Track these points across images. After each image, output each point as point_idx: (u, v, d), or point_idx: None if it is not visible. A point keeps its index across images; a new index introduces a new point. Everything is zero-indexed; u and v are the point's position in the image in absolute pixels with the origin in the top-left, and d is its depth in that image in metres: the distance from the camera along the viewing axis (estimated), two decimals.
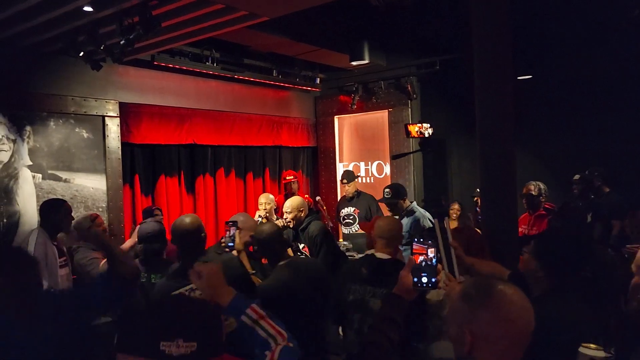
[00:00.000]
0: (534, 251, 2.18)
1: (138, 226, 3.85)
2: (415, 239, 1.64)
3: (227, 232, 3.03)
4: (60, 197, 4.98)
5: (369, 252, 3.03)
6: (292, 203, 4.35)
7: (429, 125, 2.51)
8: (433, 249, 1.62)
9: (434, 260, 1.61)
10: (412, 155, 6.99)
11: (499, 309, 1.30)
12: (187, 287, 2.35)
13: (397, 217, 4.73)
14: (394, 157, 3.23)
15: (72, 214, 3.99)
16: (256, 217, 5.05)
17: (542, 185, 4.97)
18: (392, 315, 1.61)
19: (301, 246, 4.29)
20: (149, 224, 3.49)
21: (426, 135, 2.34)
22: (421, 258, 1.62)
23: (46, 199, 4.77)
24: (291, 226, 4.30)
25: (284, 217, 4.42)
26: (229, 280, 2.33)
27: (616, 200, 5.11)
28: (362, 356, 1.59)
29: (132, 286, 2.40)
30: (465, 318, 1.33)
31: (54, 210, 3.86)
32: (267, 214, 5.14)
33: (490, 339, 1.28)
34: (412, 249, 1.65)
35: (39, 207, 4.06)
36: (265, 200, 5.24)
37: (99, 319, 2.44)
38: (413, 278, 1.61)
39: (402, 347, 1.61)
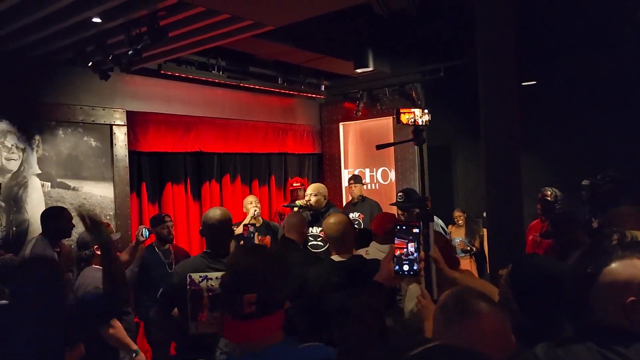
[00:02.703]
0: (509, 279, 1.85)
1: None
2: (397, 229, 1.66)
3: (247, 233, 3.21)
4: (69, 205, 5.05)
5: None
6: (317, 186, 4.82)
7: (426, 111, 2.42)
8: (414, 243, 1.64)
9: (415, 253, 1.63)
10: (416, 160, 7.01)
11: (470, 328, 1.27)
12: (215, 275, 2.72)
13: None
14: (379, 147, 3.14)
15: (81, 222, 4.02)
16: (251, 214, 5.14)
17: (558, 192, 4.95)
18: (372, 304, 1.60)
19: (318, 230, 4.40)
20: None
21: (420, 123, 2.28)
22: (405, 249, 1.63)
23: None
24: (312, 205, 4.66)
25: (307, 198, 4.77)
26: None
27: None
28: (344, 348, 1.57)
29: (123, 305, 2.48)
30: (438, 328, 1.34)
31: (52, 219, 4.04)
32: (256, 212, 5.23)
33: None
34: (393, 241, 1.66)
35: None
36: (255, 199, 5.42)
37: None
38: (395, 266, 1.63)
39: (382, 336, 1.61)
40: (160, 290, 2.97)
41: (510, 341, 1.29)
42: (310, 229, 4.81)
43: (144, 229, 4.29)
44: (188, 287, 2.75)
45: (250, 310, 1.46)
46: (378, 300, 1.61)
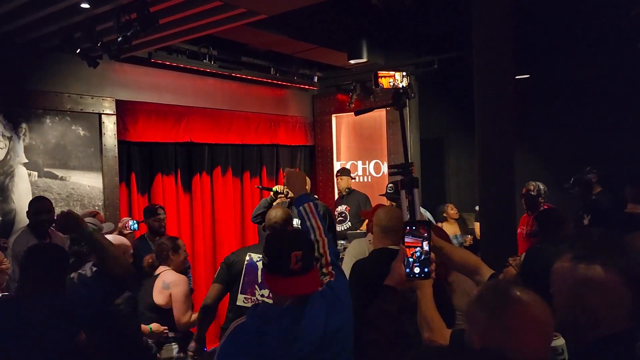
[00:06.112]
0: (522, 268, 1.92)
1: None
2: (407, 230, 1.60)
3: None
4: (57, 195, 4.98)
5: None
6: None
7: (404, 73, 2.28)
8: (425, 243, 1.59)
9: (425, 254, 1.58)
10: (409, 153, 6.97)
11: (511, 321, 1.24)
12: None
13: None
14: (357, 113, 3.02)
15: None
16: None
17: (541, 186, 4.95)
18: (386, 308, 1.57)
19: (297, 222, 4.34)
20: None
21: (401, 86, 2.16)
22: (416, 250, 1.59)
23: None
24: (285, 197, 4.44)
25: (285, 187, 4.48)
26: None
27: (603, 201, 5.04)
28: (362, 356, 1.55)
29: (124, 286, 2.46)
30: (476, 323, 1.30)
31: (28, 209, 4.16)
32: None
33: (501, 348, 1.23)
34: (404, 241, 1.62)
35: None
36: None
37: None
38: (405, 269, 1.59)
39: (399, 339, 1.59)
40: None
41: (552, 328, 1.27)
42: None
43: (131, 222, 4.22)
44: (246, 263, 3.17)
45: (297, 266, 1.74)
46: (391, 305, 1.58)
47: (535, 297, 1.28)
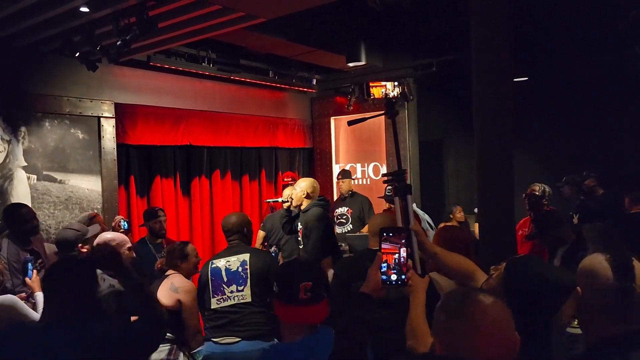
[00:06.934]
0: (504, 280, 1.78)
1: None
2: (384, 235, 1.58)
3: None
4: (55, 198, 4.97)
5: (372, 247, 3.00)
6: (305, 183, 4.46)
7: (396, 83, 2.27)
8: (403, 249, 1.56)
9: (403, 261, 1.57)
10: (408, 156, 6.98)
11: (470, 321, 1.24)
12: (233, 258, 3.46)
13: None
14: (350, 123, 2.97)
15: (68, 216, 3.90)
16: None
17: (546, 188, 4.94)
18: (361, 316, 1.54)
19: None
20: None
21: (391, 95, 2.15)
22: (395, 257, 1.57)
23: (41, 200, 4.73)
24: (292, 205, 4.38)
25: (289, 193, 4.48)
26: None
27: (607, 202, 5.04)
28: None
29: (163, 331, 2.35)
30: (439, 328, 1.30)
31: (12, 219, 3.79)
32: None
33: (460, 350, 1.23)
34: (381, 247, 1.59)
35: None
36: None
37: None
38: (382, 276, 1.57)
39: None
40: None
41: (514, 339, 1.26)
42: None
43: (122, 221, 4.19)
44: (210, 270, 3.39)
45: (306, 297, 1.72)
46: (366, 312, 1.54)
47: (494, 299, 1.28)
